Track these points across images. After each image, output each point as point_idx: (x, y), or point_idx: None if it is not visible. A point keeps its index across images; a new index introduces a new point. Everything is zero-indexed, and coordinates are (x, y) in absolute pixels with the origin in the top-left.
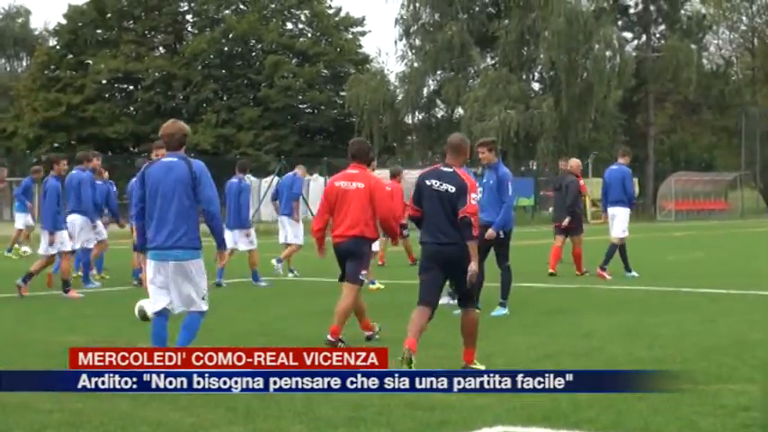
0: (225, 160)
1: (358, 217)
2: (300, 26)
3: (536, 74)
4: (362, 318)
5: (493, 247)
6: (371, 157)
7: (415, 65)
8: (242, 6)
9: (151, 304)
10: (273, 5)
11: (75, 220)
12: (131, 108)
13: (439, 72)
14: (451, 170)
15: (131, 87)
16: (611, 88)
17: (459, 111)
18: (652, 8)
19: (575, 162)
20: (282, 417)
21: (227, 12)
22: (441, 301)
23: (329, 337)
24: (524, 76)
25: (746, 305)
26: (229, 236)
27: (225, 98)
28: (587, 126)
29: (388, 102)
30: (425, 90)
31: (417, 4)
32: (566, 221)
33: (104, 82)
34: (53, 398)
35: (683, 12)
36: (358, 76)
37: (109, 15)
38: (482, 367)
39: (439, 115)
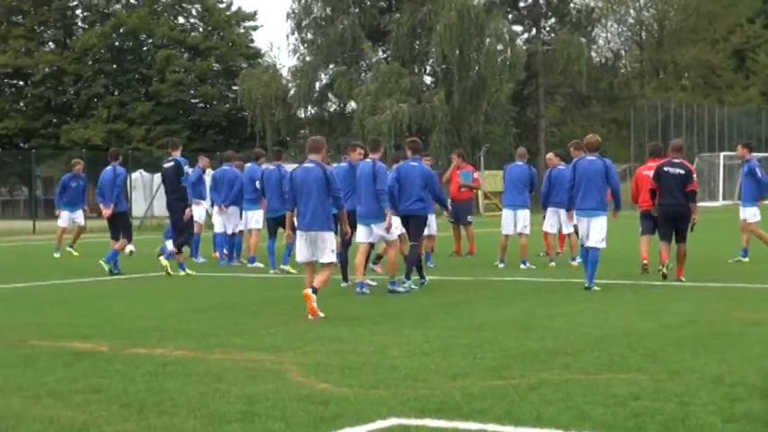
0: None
1: None
2: (192, 20)
3: (428, 67)
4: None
5: None
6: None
7: (308, 59)
8: (132, 1)
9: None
10: (164, 0)
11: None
12: (21, 104)
13: (331, 66)
14: (679, 161)
15: (21, 83)
16: (503, 81)
17: (352, 104)
18: (542, 1)
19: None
20: (176, 413)
21: (117, 6)
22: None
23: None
24: (416, 70)
25: (637, 295)
26: None
27: (116, 93)
28: (480, 119)
29: (281, 96)
30: (318, 84)
31: None
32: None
33: None
34: None
35: (572, 5)
36: (250, 70)
37: None
38: (684, 281)
39: (331, 109)
